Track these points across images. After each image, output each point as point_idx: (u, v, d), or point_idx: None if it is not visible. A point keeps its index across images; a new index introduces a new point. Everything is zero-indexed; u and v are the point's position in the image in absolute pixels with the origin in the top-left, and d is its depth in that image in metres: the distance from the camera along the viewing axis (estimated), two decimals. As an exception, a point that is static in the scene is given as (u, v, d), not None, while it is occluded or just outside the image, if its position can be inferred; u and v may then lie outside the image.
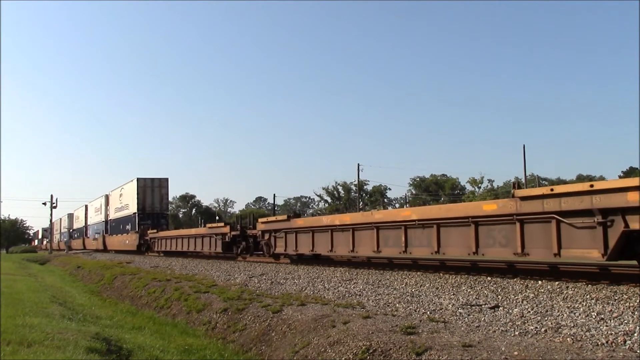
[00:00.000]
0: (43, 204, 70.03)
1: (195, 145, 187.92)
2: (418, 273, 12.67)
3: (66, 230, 74.17)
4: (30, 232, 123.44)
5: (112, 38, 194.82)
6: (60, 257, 47.14)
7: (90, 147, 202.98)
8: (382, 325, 7.08)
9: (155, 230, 35.81)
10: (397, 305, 8.88)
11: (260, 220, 20.85)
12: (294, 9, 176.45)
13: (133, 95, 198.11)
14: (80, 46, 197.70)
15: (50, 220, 74.70)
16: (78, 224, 66.66)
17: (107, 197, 51.08)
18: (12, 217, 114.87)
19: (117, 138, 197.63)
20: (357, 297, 10.06)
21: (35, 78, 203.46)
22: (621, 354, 5.22)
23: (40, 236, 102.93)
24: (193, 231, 29.58)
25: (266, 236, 20.09)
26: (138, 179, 40.91)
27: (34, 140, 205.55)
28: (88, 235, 59.10)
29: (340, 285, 11.91)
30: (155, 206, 41.10)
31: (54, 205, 69.43)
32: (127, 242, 40.59)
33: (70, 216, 72.39)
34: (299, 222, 17.96)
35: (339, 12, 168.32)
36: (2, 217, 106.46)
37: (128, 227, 42.07)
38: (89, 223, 59.77)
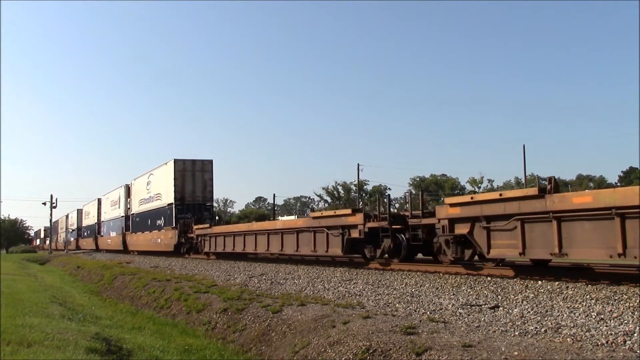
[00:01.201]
0: (43, 204, 69.93)
1: (195, 145, 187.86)
2: (418, 273, 12.66)
3: (74, 228, 67.89)
4: (31, 232, 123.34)
5: (112, 38, 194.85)
6: (60, 257, 47.05)
7: (90, 147, 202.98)
8: (382, 326, 7.08)
9: (206, 225, 26.18)
10: (397, 305, 8.88)
11: (452, 200, 12.34)
12: (294, 8, 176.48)
13: (133, 95, 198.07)
14: (81, 46, 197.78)
15: (50, 220, 74.32)
16: (89, 220, 58.91)
17: (127, 188, 42.52)
18: (12, 217, 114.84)
19: (117, 138, 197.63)
20: (357, 297, 10.06)
21: (35, 78, 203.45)
22: (621, 354, 5.22)
23: (42, 235, 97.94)
24: (279, 224, 19.80)
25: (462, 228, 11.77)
26: (176, 161, 31.66)
27: (34, 140, 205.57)
28: (102, 234, 51.68)
29: (340, 285, 11.91)
30: (196, 195, 31.88)
31: (54, 205, 69.40)
32: (159, 240, 32.81)
33: (79, 212, 65.54)
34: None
35: (338, 12, 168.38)
36: (2, 217, 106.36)
37: (160, 222, 33.44)
38: (103, 219, 51.70)
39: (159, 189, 34.45)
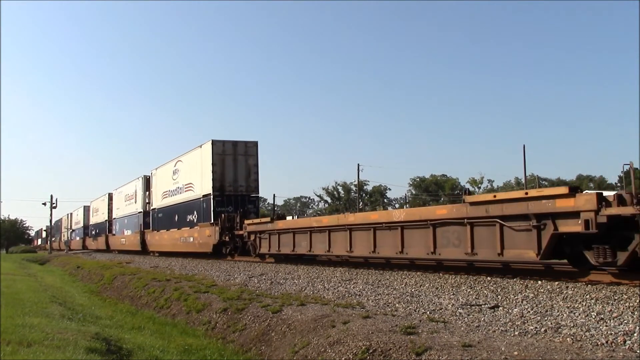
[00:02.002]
0: (43, 204, 69.81)
1: (195, 146, 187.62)
2: (417, 273, 12.66)
3: (79, 226, 63.16)
4: (31, 233, 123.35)
5: (112, 38, 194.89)
6: (60, 257, 46.99)
7: (90, 147, 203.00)
8: (382, 325, 7.08)
9: (265, 220, 20.11)
10: (397, 305, 8.88)
11: None
12: (295, 8, 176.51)
13: (133, 95, 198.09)
14: (81, 46, 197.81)
15: (50, 220, 74.13)
16: (97, 217, 53.64)
17: (146, 179, 37.34)
18: (12, 217, 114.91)
19: (117, 139, 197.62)
20: (357, 297, 10.06)
21: (35, 78, 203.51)
22: (621, 354, 5.22)
23: (44, 235, 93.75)
24: (398, 214, 13.49)
25: None
26: (214, 142, 25.69)
27: (34, 140, 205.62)
28: (114, 232, 46.33)
29: (340, 285, 11.91)
30: (239, 184, 25.87)
31: (54, 205, 69.38)
32: (191, 239, 27.49)
33: (86, 209, 60.38)
34: None
35: (339, 11, 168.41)
36: (2, 217, 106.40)
37: (192, 217, 28.06)
38: (115, 216, 46.29)
39: (190, 178, 28.62)
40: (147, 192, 36.95)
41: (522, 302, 8.28)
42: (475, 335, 6.33)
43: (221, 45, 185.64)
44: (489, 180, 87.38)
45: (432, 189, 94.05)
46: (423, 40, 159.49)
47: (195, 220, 27.41)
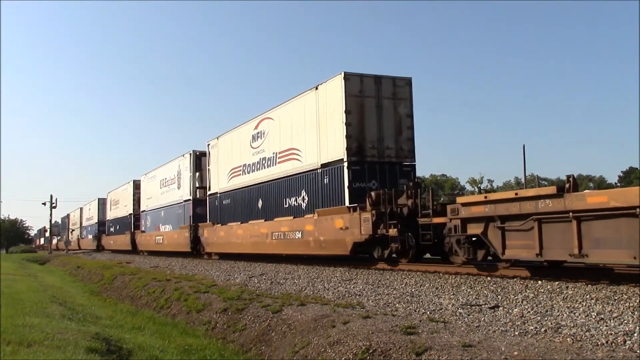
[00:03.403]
0: (43, 204, 69.62)
1: (196, 146, 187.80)
2: (418, 273, 12.67)
3: (92, 222, 54.74)
4: (31, 233, 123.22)
5: (112, 39, 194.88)
6: (60, 257, 46.90)
7: (89, 147, 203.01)
8: (382, 325, 7.08)
9: (550, 193, 9.58)
10: (397, 305, 8.88)
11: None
12: (296, 9, 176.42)
13: (132, 95, 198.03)
14: (80, 46, 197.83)
15: (50, 220, 73.77)
16: (118, 211, 44.74)
17: (197, 157, 28.25)
18: (12, 217, 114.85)
19: (117, 139, 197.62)
20: (357, 297, 10.06)
21: (35, 78, 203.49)
22: (621, 354, 5.22)
23: (47, 234, 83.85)
24: None
25: None
26: (348, 76, 16.09)
27: (34, 141, 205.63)
28: (143, 228, 36.89)
29: (340, 285, 11.91)
30: (385, 146, 16.38)
31: (54, 205, 69.26)
32: (298, 235, 17.67)
33: (102, 202, 51.92)
34: None
35: (339, 11, 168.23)
36: (2, 217, 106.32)
37: (296, 200, 18.38)
38: (144, 208, 36.69)
39: (291, 141, 18.82)
40: (198, 173, 27.95)
41: (522, 302, 8.27)
42: (476, 335, 6.33)
43: (221, 45, 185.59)
44: (489, 180, 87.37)
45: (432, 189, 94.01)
46: (422, 39, 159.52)
47: (304, 205, 17.79)
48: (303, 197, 17.99)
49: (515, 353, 5.43)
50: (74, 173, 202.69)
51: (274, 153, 19.98)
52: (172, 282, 15.29)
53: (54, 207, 69.08)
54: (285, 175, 19.05)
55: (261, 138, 21.08)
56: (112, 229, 46.90)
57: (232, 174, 23.56)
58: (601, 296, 8.01)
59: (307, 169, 17.71)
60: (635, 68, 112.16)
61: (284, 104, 19.60)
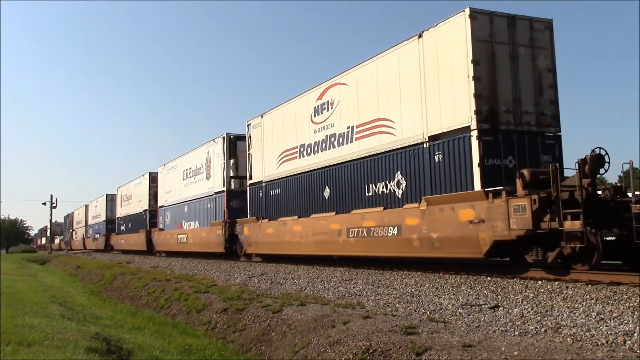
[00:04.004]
0: (43, 204, 69.64)
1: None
2: (418, 273, 12.67)
3: (99, 220, 50.98)
4: (31, 233, 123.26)
5: (112, 40, 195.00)
6: (60, 257, 46.90)
7: (90, 147, 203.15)
8: (382, 325, 7.08)
9: None
10: (397, 305, 8.89)
11: None
12: (298, 9, 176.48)
13: (132, 95, 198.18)
14: (80, 46, 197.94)
15: (50, 220, 73.71)
16: (130, 207, 40.72)
17: (230, 141, 24.31)
18: (12, 217, 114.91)
19: (117, 139, 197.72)
20: (357, 297, 10.07)
21: (35, 78, 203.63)
22: (621, 354, 5.23)
23: (48, 233, 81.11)
24: None
25: None
26: (474, 13, 11.97)
27: (34, 141, 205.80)
28: (160, 225, 32.79)
29: (340, 285, 11.92)
30: (522, 111, 12.33)
31: (54, 205, 69.29)
32: (393, 231, 13.39)
33: (110, 198, 48.13)
34: None
35: (339, 12, 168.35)
36: (2, 217, 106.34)
37: (386, 186, 14.34)
38: (164, 203, 32.28)
39: (378, 110, 14.77)
40: (233, 160, 24.20)
41: (522, 302, 8.28)
42: (476, 335, 6.33)
43: (220, 45, 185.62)
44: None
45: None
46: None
47: (399, 192, 13.79)
48: (398, 181, 13.84)
49: (515, 353, 5.43)
50: (74, 173, 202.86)
51: (348, 127, 15.64)
52: (172, 282, 15.29)
53: (54, 207, 69.13)
54: (368, 154, 14.83)
55: (328, 110, 16.71)
56: (122, 227, 42.94)
57: (283, 158, 19.11)
58: (601, 296, 8.01)
59: (405, 145, 13.59)
60: (636, 67, 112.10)
61: (362, 63, 15.45)
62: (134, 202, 39.39)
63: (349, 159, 15.59)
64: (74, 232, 65.96)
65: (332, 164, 16.34)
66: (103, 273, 23.05)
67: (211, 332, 10.18)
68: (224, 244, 22.73)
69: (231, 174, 24.15)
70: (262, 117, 20.76)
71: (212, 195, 25.28)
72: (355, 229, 14.73)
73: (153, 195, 35.14)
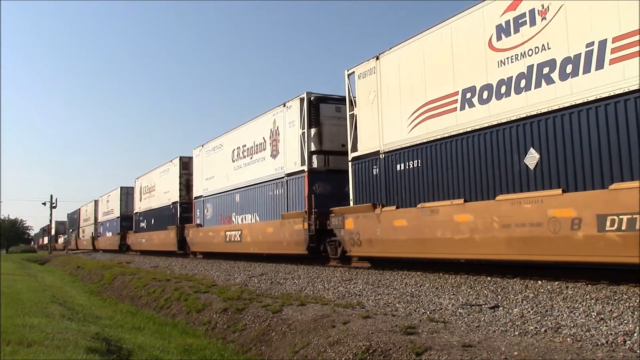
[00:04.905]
0: (43, 204, 69.70)
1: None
2: (418, 273, 12.68)
3: (111, 217, 44.81)
4: (31, 233, 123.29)
5: (111, 41, 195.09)
6: (60, 257, 46.92)
7: (90, 147, 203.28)
8: (382, 325, 7.08)
9: None
10: (397, 305, 8.89)
11: None
12: (302, 10, 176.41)
13: (132, 95, 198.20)
14: (80, 47, 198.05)
15: (50, 220, 73.57)
16: (151, 201, 34.23)
17: (313, 108, 17.53)
18: (12, 217, 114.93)
19: (117, 139, 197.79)
20: (357, 297, 10.07)
21: (34, 78, 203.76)
22: (621, 354, 5.23)
23: (53, 232, 75.81)
24: None
25: None
26: None
27: (34, 141, 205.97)
28: (197, 220, 26.55)
29: (340, 285, 11.92)
30: None
31: (54, 205, 69.34)
32: None
33: (125, 192, 42.09)
34: None
35: (340, 12, 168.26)
36: (2, 217, 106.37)
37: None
38: (201, 193, 26.09)
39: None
40: (315, 130, 17.60)
41: (522, 302, 8.28)
42: (475, 335, 6.34)
43: (220, 45, 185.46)
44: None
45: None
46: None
47: None
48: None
49: (515, 353, 5.43)
50: (74, 173, 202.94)
51: (590, 45, 9.01)
52: (172, 282, 15.30)
53: (54, 207, 69.19)
54: None
55: (533, 23, 10.05)
56: (142, 224, 35.89)
57: (423, 114, 12.60)
58: (601, 296, 8.01)
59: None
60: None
61: None
62: (159, 194, 32.65)
63: (593, 98, 8.94)
64: (81, 231, 60.45)
65: (545, 110, 9.75)
66: (103, 273, 23.06)
67: (211, 332, 10.19)
68: (306, 243, 16.43)
69: (312, 148, 17.49)
70: (377, 58, 14.31)
71: (283, 178, 18.68)
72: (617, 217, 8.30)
73: (185, 185, 29.05)
